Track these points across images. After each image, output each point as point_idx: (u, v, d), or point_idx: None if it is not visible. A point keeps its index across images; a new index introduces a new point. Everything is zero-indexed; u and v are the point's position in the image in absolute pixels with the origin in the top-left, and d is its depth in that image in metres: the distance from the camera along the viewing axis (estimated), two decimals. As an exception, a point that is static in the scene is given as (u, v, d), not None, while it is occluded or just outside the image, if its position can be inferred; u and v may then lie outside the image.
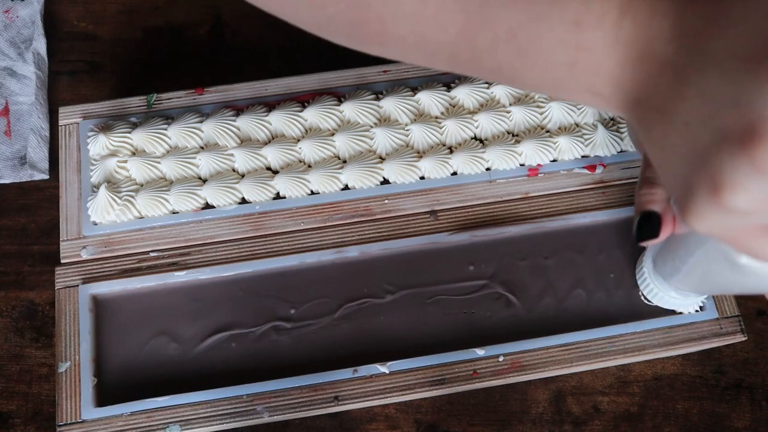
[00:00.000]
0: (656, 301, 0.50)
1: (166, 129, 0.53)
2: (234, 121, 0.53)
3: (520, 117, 0.54)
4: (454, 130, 0.53)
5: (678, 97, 0.27)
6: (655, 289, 0.49)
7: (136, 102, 0.55)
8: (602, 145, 0.54)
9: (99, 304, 0.50)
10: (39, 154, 0.58)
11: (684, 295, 0.49)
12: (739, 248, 0.30)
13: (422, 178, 0.53)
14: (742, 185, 0.25)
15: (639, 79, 0.28)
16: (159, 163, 0.52)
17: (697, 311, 0.50)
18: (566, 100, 0.53)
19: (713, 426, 0.52)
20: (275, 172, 0.53)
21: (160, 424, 0.47)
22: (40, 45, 0.62)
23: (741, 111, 0.24)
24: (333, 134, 0.53)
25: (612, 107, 0.30)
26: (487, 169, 0.53)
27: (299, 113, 0.53)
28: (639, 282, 0.51)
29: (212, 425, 0.47)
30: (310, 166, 0.53)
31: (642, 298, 0.51)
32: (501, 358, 0.49)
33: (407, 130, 0.54)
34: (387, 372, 0.48)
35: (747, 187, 0.25)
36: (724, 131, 0.25)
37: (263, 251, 0.51)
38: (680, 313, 0.50)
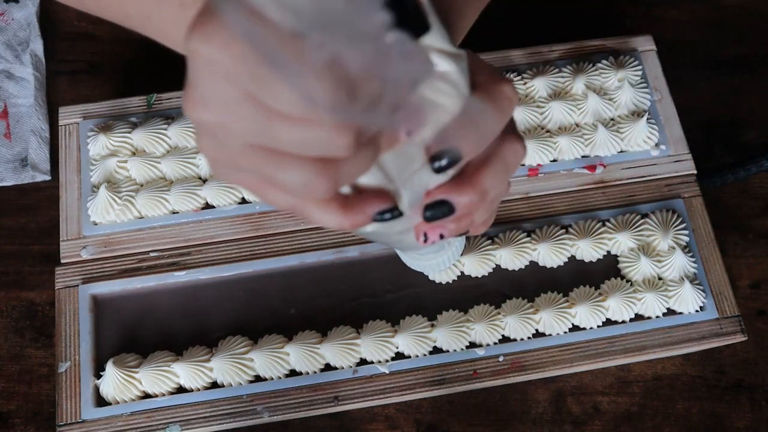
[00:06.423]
0: (415, 267, 0.46)
1: (166, 129, 0.53)
2: (234, 121, 0.53)
3: (519, 117, 0.54)
4: (454, 130, 0.53)
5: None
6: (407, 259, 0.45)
7: (136, 102, 0.55)
8: (602, 145, 0.54)
9: (99, 304, 0.50)
10: (40, 155, 0.58)
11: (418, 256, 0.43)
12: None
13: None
14: (197, 86, 0.23)
15: None
16: (159, 163, 0.52)
17: (697, 311, 0.50)
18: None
19: (713, 426, 0.52)
20: (275, 172, 0.53)
21: (160, 424, 0.47)
22: (37, 47, 0.61)
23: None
24: (333, 134, 0.53)
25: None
26: (487, 169, 0.53)
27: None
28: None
29: (212, 425, 0.47)
30: (310, 166, 0.53)
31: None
32: (501, 358, 0.49)
33: (407, 130, 0.54)
34: (387, 372, 0.48)
35: (202, 87, 0.23)
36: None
37: (263, 251, 0.51)
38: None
